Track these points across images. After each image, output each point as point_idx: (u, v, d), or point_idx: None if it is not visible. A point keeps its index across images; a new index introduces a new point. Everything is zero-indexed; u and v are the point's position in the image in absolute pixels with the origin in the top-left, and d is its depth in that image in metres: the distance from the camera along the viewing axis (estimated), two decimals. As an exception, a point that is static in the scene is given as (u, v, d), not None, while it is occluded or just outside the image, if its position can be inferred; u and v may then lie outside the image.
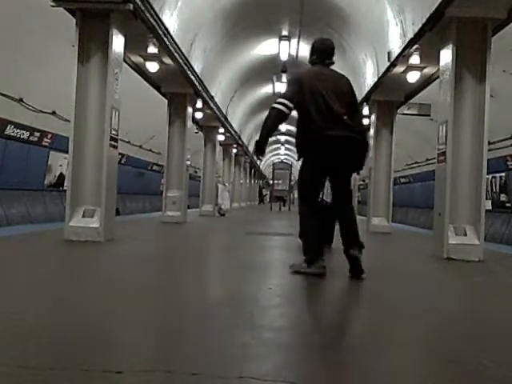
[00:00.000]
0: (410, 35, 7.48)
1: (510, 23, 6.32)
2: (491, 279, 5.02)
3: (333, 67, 4.49)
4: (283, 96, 4.22)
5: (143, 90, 11.87)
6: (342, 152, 4.10)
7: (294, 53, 14.41)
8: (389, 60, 8.95)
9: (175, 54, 9.18)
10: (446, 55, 6.35)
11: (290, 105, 4.13)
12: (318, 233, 4.22)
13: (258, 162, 13.83)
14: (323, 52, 4.44)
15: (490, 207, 16.80)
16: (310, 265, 4.13)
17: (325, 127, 4.05)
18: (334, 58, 4.48)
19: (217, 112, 15.05)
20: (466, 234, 6.14)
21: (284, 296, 3.59)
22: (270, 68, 16.07)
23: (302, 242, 4.29)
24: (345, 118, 4.12)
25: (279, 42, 13.76)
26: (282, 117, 4.14)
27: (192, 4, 9.24)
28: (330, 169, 4.23)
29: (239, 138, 22.45)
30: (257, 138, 4.36)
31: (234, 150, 22.91)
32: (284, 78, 16.24)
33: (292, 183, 31.36)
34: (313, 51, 4.49)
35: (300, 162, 4.39)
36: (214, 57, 12.56)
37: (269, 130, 4.22)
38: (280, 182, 29.05)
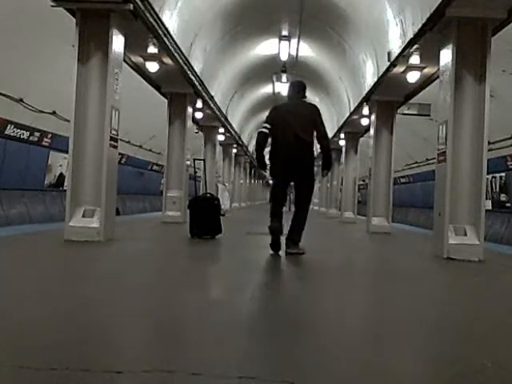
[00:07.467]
0: (410, 35, 7.47)
1: (510, 23, 6.32)
2: (491, 279, 5.02)
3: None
4: (265, 121, 5.82)
5: (143, 90, 11.87)
6: (296, 162, 5.60)
7: (293, 53, 14.40)
8: (389, 60, 8.94)
9: (175, 54, 9.17)
10: (446, 55, 6.34)
11: (269, 127, 5.70)
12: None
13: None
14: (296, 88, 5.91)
15: (490, 207, 16.80)
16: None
17: (286, 144, 5.56)
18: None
19: (217, 112, 15.04)
20: (466, 234, 6.13)
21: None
22: (269, 68, 16.06)
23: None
24: (302, 136, 5.52)
25: (279, 42, 13.75)
26: (265, 136, 5.77)
27: (192, 4, 9.24)
28: (289, 174, 5.73)
29: (239, 138, 22.43)
30: (255, 155, 5.88)
31: (234, 150, 22.90)
32: (284, 77, 16.23)
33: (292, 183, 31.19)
34: (289, 88, 5.97)
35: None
36: (214, 57, 12.56)
37: (260, 147, 5.85)
38: None
